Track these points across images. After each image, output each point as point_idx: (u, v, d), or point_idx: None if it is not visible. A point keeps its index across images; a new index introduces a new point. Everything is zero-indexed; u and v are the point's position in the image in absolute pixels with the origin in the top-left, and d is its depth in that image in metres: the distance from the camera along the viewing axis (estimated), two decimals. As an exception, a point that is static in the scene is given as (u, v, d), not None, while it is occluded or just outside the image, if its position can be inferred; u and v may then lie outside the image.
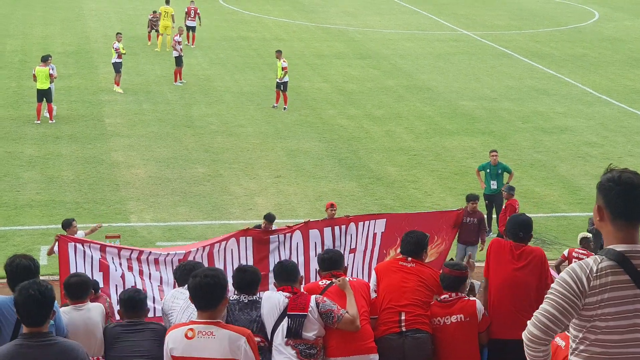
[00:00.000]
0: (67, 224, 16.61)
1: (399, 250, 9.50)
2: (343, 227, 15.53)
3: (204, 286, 6.39)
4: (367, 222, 15.65)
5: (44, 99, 28.70)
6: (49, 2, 50.79)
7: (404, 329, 8.68)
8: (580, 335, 4.96)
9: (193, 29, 41.73)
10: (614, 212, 4.88)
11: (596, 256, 4.94)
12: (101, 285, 14.66)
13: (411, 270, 8.98)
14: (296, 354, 8.08)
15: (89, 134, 27.88)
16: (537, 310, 5.04)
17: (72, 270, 14.42)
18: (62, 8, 49.59)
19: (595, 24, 51.83)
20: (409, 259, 9.06)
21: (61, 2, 51.25)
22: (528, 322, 5.09)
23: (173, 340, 6.50)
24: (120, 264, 14.55)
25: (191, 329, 6.43)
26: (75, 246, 14.74)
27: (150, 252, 14.70)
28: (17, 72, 35.18)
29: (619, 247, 4.89)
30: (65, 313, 8.24)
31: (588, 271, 4.87)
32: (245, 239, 15.12)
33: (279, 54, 32.59)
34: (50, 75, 28.66)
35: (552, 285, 4.99)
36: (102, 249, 14.72)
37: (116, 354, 8.24)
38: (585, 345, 4.94)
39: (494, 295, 8.92)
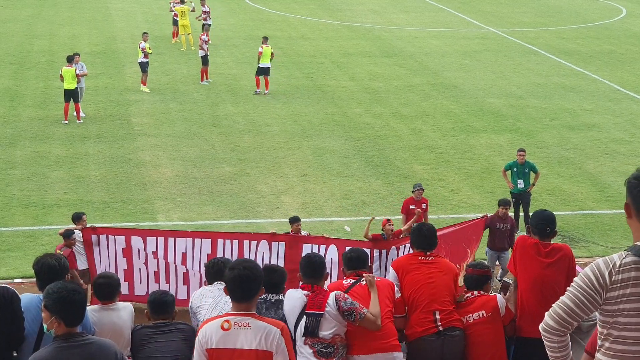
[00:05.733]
0: (77, 218, 16.60)
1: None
2: (384, 251, 15.27)
3: (243, 277, 6.39)
4: (402, 246, 15.38)
5: (71, 99, 28.88)
6: (75, 3, 51.13)
7: (440, 328, 8.69)
8: (605, 331, 4.99)
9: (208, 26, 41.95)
10: (638, 208, 4.88)
11: (622, 252, 4.96)
12: (125, 267, 15.05)
13: (432, 264, 8.95)
14: (313, 354, 8.07)
15: (116, 134, 28.02)
16: (556, 302, 5.10)
17: (97, 260, 14.75)
18: (89, 8, 49.89)
19: (622, 21, 51.47)
20: (427, 253, 9.04)
21: (88, 2, 51.59)
22: (546, 312, 5.16)
23: (208, 333, 6.45)
24: (146, 254, 14.81)
25: (227, 320, 6.42)
26: (98, 237, 15.04)
27: (176, 242, 14.82)
28: (44, 72, 35.41)
29: None
30: (94, 312, 8.26)
31: (611, 266, 4.90)
32: (278, 244, 15.06)
33: (265, 40, 33.36)
34: (77, 75, 28.79)
35: (575, 278, 5.04)
36: (127, 239, 14.95)
37: (145, 355, 8.20)
38: (609, 342, 4.96)
39: (523, 294, 8.81)
